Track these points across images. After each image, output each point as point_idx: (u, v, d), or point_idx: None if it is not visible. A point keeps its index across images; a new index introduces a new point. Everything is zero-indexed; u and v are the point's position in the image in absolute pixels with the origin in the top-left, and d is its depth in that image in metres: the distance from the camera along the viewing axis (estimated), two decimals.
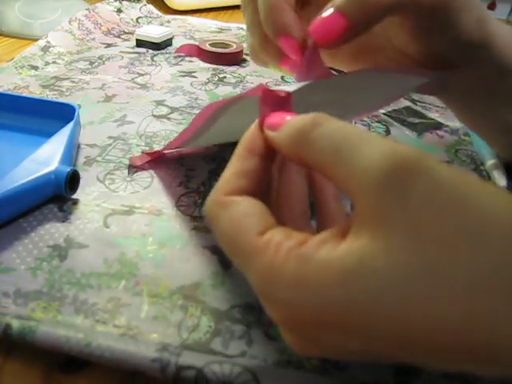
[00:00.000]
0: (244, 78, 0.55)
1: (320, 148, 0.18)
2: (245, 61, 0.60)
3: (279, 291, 0.17)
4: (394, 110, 0.48)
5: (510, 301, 0.15)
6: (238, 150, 0.21)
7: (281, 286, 0.17)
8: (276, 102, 0.21)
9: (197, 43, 0.61)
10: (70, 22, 0.62)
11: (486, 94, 0.33)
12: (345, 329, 0.17)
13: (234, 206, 0.20)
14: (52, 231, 0.29)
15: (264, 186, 0.21)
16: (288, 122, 0.20)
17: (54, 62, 0.54)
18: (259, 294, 0.19)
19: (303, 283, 0.17)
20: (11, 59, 0.54)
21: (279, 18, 0.27)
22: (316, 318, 0.17)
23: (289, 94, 0.21)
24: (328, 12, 0.25)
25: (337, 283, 0.16)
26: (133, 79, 0.52)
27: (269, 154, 0.21)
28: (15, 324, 0.22)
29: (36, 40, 0.59)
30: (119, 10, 0.71)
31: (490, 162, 0.38)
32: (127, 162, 0.36)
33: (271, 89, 0.21)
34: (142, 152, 0.37)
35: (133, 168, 0.35)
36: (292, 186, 0.22)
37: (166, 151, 0.36)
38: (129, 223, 0.30)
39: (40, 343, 0.22)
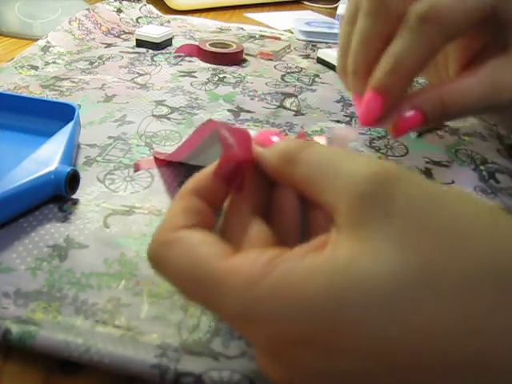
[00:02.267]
0: (244, 77, 0.55)
1: (307, 167, 0.19)
2: (245, 61, 0.60)
3: (261, 308, 0.16)
4: None
5: (497, 307, 0.15)
6: (182, 192, 0.20)
7: (263, 301, 0.16)
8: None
9: (197, 43, 0.61)
10: (69, 22, 0.62)
11: None
12: (332, 345, 0.16)
13: (185, 240, 0.18)
14: (52, 231, 0.29)
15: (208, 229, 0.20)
16: (277, 144, 0.21)
17: (54, 62, 0.54)
18: (236, 318, 0.17)
19: (287, 295, 0.16)
20: (11, 59, 0.54)
21: (401, 78, 0.25)
22: (302, 333, 0.16)
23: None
24: (410, 113, 0.26)
25: (324, 291, 0.15)
26: (133, 79, 0.52)
27: (215, 201, 0.20)
28: (14, 329, 0.22)
29: (36, 40, 0.59)
30: (119, 10, 0.71)
31: None
32: (127, 162, 0.36)
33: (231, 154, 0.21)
34: (153, 154, 0.37)
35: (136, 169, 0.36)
36: (285, 202, 0.21)
37: (169, 159, 0.36)
38: (129, 223, 0.30)
39: (39, 349, 0.22)
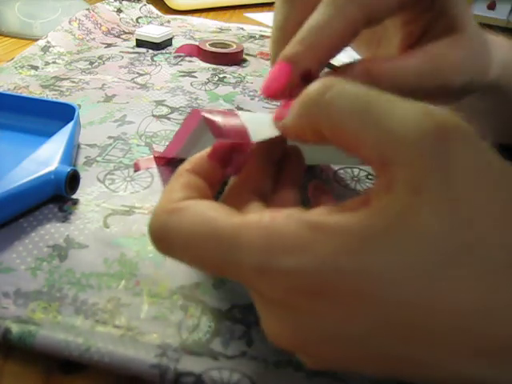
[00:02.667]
0: (244, 77, 0.55)
1: (339, 109, 0.17)
2: (245, 61, 0.60)
3: (281, 258, 0.15)
4: None
5: None
6: (180, 170, 0.20)
7: (283, 251, 0.15)
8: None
9: (197, 43, 0.61)
10: (70, 22, 0.62)
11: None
12: (350, 303, 0.15)
13: (192, 206, 0.18)
14: (52, 231, 0.29)
15: None
16: (296, 99, 0.19)
17: (54, 62, 0.54)
18: (254, 270, 0.16)
19: (309, 248, 0.15)
20: (11, 59, 0.54)
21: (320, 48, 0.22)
22: (323, 286, 0.15)
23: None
24: None
25: (350, 250, 0.15)
26: (133, 79, 0.52)
27: (213, 180, 0.20)
28: (15, 328, 0.22)
29: (36, 40, 0.59)
30: (119, 10, 0.71)
31: None
32: (127, 162, 0.36)
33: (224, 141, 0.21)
34: (154, 154, 0.37)
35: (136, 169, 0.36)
36: (285, 196, 0.21)
37: (165, 155, 0.36)
38: (129, 223, 0.30)
39: (39, 348, 0.22)
